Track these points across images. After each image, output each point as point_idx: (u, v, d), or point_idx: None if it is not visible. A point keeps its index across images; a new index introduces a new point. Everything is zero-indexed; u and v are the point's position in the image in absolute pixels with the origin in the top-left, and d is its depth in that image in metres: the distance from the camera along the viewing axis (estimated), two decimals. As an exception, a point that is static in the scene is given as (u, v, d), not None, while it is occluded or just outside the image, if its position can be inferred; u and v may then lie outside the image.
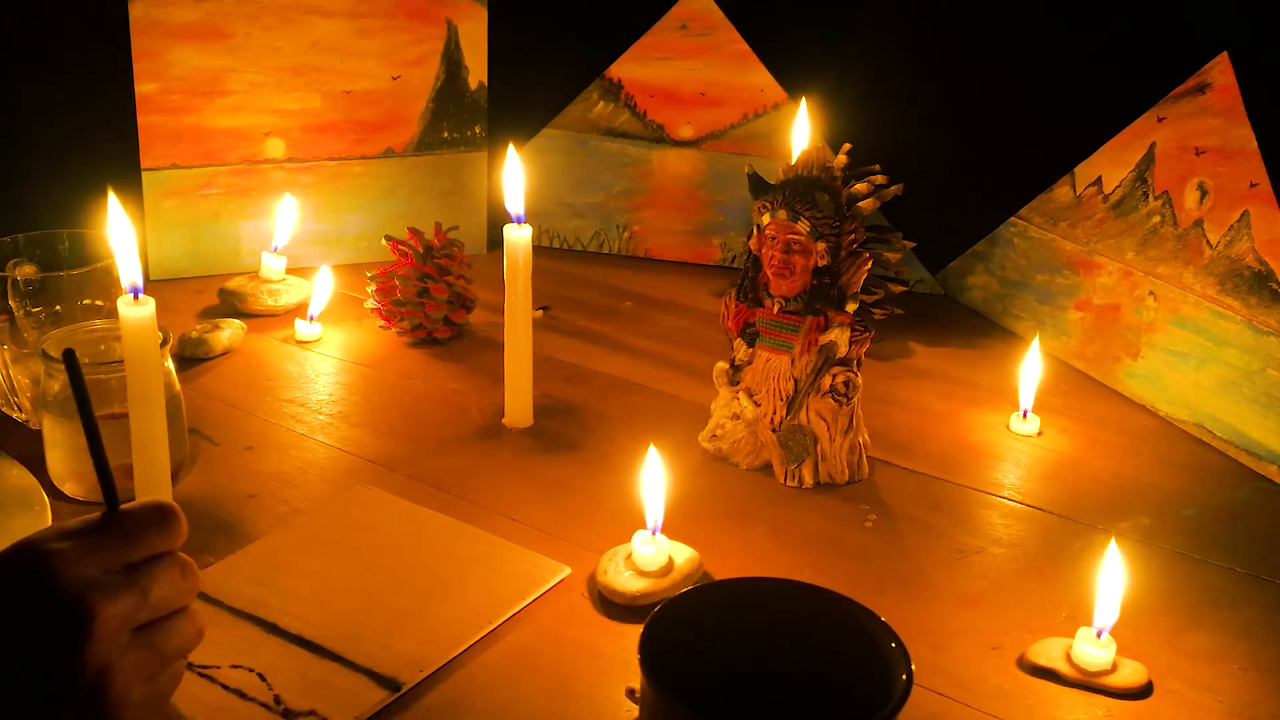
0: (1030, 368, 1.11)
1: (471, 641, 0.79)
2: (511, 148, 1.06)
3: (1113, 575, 0.79)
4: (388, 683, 0.75)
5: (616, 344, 1.26)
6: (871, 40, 1.43)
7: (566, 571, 0.86)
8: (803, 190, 0.95)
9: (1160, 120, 1.19)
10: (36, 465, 0.94)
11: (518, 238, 1.03)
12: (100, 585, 0.59)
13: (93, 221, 1.07)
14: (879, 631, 0.59)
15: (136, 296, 0.85)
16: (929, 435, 1.10)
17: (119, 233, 0.86)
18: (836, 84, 1.35)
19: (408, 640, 0.79)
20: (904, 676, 0.55)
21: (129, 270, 0.85)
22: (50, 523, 0.89)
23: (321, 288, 1.25)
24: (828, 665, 0.61)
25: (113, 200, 0.87)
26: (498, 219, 1.28)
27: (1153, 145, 1.19)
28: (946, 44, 1.38)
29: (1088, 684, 0.78)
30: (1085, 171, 1.26)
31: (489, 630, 0.80)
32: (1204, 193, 1.14)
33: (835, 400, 0.98)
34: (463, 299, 1.25)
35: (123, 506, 0.63)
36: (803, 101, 1.24)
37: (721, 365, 1.03)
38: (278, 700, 0.74)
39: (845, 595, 0.62)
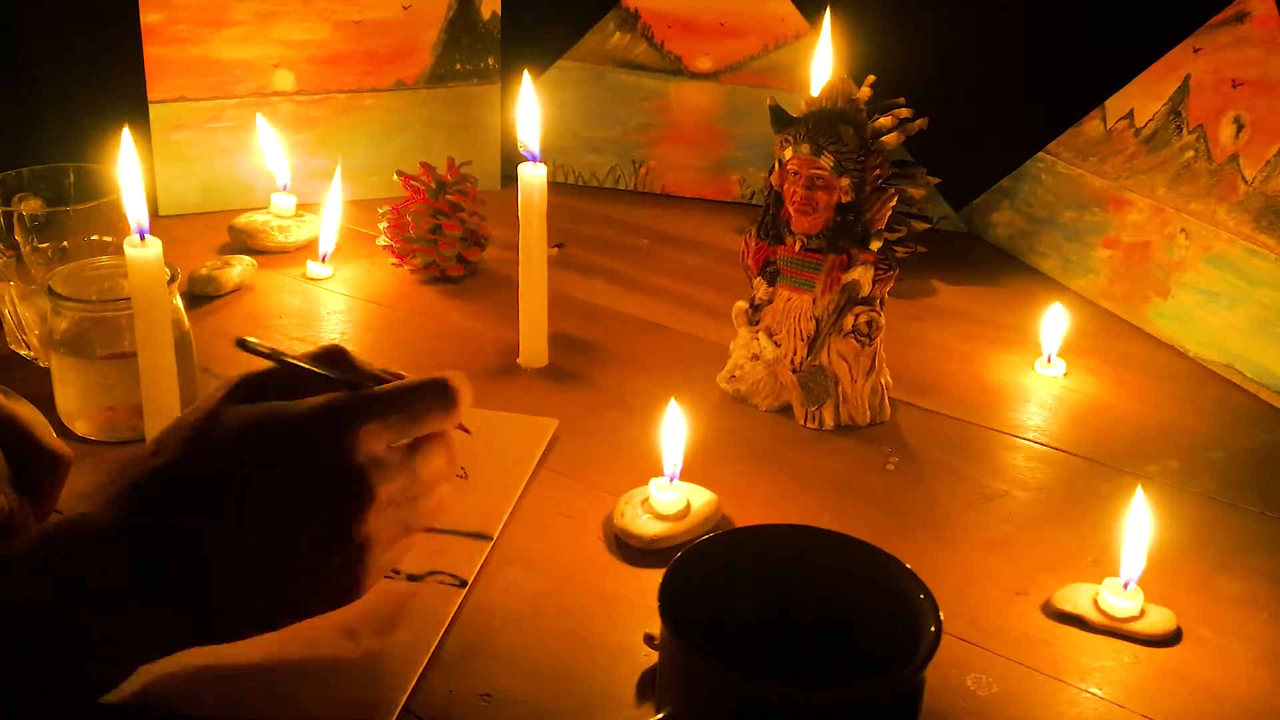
0: (1056, 309, 1.09)
1: (515, 498, 0.86)
2: (527, 76, 1.03)
3: (1139, 527, 0.77)
4: (482, 536, 0.81)
5: (634, 282, 1.24)
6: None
7: (554, 424, 0.95)
8: (826, 124, 0.92)
9: (1196, 51, 1.15)
10: (45, 404, 0.93)
11: (533, 177, 1.00)
12: (384, 464, 0.64)
13: (99, 155, 1.05)
14: (906, 581, 0.57)
15: (143, 238, 0.83)
16: (952, 376, 1.08)
17: (128, 172, 0.84)
18: (858, 13, 1.31)
19: (468, 511, 0.82)
20: (932, 628, 0.53)
21: (135, 211, 0.83)
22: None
23: (332, 206, 1.23)
24: (853, 614, 0.60)
25: (126, 138, 0.85)
26: (511, 153, 1.25)
27: (1188, 77, 1.16)
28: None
29: (1115, 630, 0.76)
30: (1116, 104, 1.22)
31: (521, 490, 0.87)
32: (1240, 126, 1.10)
33: (857, 340, 0.96)
34: (476, 236, 1.22)
35: (406, 381, 0.67)
36: (825, 24, 1.21)
37: (741, 304, 1.01)
38: (396, 570, 0.77)
39: (871, 543, 0.61)
